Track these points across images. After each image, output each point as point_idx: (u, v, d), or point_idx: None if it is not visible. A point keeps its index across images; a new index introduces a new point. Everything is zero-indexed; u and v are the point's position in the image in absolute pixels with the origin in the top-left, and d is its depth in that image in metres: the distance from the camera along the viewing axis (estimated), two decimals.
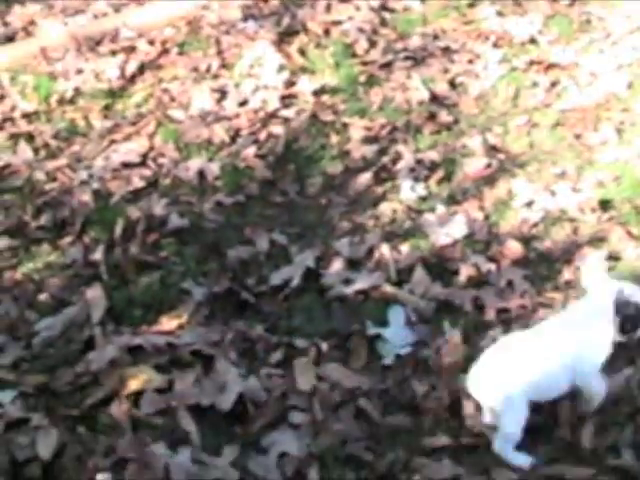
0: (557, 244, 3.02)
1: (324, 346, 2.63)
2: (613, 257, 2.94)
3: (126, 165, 3.51)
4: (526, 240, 3.04)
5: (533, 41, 4.12)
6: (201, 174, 3.43)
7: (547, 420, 2.40)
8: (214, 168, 3.45)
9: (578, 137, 3.53)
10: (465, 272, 2.89)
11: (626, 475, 2.27)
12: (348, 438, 2.36)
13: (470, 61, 4.02)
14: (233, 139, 3.63)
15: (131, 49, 4.21)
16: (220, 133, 3.65)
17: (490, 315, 2.74)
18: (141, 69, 4.09)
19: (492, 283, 2.86)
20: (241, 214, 3.26)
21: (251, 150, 3.54)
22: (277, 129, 3.64)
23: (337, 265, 2.95)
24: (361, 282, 2.86)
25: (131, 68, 4.08)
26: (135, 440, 2.33)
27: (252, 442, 2.36)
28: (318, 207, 3.28)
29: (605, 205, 3.16)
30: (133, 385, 2.47)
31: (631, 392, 2.48)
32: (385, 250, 2.97)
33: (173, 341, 2.61)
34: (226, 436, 2.39)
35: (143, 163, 3.53)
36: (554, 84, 3.84)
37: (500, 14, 4.30)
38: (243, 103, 3.84)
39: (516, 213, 3.17)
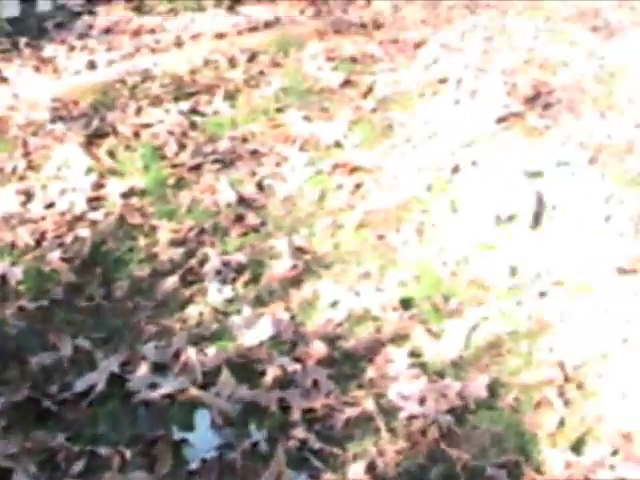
0: (361, 343, 3.09)
1: (128, 453, 2.59)
2: (415, 354, 3.03)
3: None
4: (331, 340, 3.09)
5: (338, 145, 4.26)
6: (3, 279, 3.35)
7: None
8: (17, 272, 3.37)
9: (381, 238, 3.64)
10: (271, 373, 2.92)
11: None
12: None
13: (277, 164, 4.11)
14: (38, 242, 3.57)
15: None
16: (24, 236, 3.57)
17: (295, 416, 2.77)
18: None
19: (298, 383, 2.90)
20: (45, 319, 3.18)
21: (56, 254, 3.48)
22: (84, 232, 3.60)
23: (143, 369, 2.92)
24: (167, 386, 2.84)
25: None
26: None
27: None
28: (124, 311, 3.25)
29: (406, 304, 3.26)
30: None
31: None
32: (191, 353, 2.97)
33: None
34: None
35: None
36: (358, 186, 3.95)
37: (307, 119, 4.43)
38: (49, 205, 3.78)
39: (321, 313, 3.23)
